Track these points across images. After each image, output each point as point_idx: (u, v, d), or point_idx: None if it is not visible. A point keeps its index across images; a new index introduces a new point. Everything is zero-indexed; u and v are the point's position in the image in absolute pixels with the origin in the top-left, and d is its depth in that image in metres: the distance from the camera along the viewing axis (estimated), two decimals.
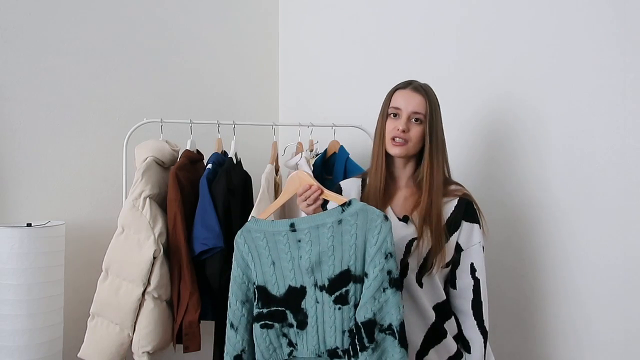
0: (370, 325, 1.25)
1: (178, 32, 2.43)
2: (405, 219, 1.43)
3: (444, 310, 1.43)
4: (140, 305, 1.75)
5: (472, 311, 1.42)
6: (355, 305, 1.28)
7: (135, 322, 1.76)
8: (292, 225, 1.34)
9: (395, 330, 1.24)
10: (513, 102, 1.77)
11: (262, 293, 1.35)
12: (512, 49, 1.78)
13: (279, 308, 1.34)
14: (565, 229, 1.66)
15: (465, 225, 1.43)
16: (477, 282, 1.43)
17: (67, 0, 2.09)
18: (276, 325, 1.34)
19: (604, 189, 1.57)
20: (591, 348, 1.61)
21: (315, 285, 1.31)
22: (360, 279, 1.28)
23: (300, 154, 2.03)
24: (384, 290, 1.25)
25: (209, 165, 1.90)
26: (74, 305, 1.99)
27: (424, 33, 2.06)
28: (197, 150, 2.01)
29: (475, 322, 1.42)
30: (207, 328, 1.96)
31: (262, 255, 1.36)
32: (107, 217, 2.08)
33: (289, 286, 1.34)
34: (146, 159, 1.82)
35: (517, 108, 1.77)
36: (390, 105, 1.45)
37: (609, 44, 1.56)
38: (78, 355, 1.80)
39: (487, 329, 1.43)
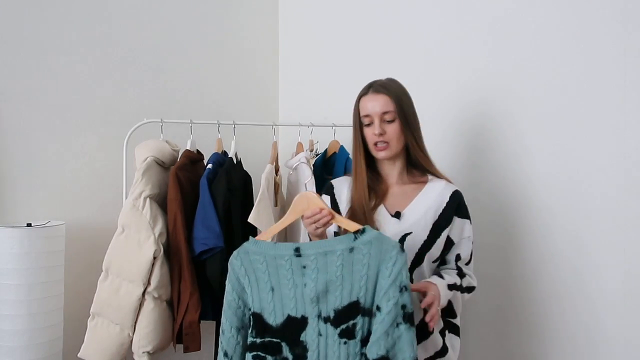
0: None
1: (178, 32, 2.43)
2: (397, 215, 1.44)
3: None
4: (141, 305, 1.75)
5: (456, 271, 1.46)
6: (362, 340, 1.20)
7: (135, 322, 1.76)
8: (297, 249, 1.25)
9: None
10: (513, 102, 1.78)
11: (258, 321, 1.26)
12: (512, 49, 1.78)
13: (274, 339, 1.24)
14: (565, 229, 1.66)
15: (456, 220, 1.46)
16: (459, 269, 1.47)
17: (67, 1, 2.09)
18: (269, 357, 1.24)
19: (604, 189, 1.57)
20: (588, 348, 1.61)
21: (319, 316, 1.22)
22: (369, 312, 1.20)
23: (301, 153, 2.04)
24: (397, 326, 1.17)
25: (209, 165, 1.90)
26: (74, 305, 1.99)
27: (424, 33, 2.06)
28: (197, 150, 2.01)
29: (456, 271, 1.45)
30: (207, 328, 1.96)
31: (260, 280, 1.26)
32: (107, 217, 2.08)
33: (288, 315, 1.24)
34: (146, 159, 1.82)
35: (517, 108, 1.77)
36: (361, 115, 1.47)
37: (609, 44, 1.56)
38: (78, 355, 1.80)
39: (466, 286, 1.44)
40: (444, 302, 1.35)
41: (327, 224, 1.33)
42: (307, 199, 1.35)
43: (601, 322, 1.59)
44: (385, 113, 1.43)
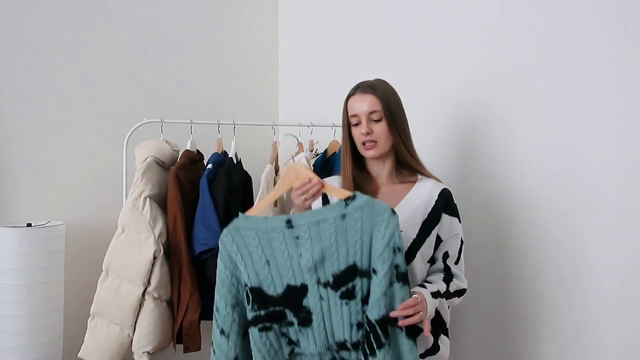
0: (385, 322, 1.22)
1: (178, 32, 2.43)
2: None
3: None
4: (141, 305, 1.75)
5: (443, 275, 1.45)
6: (362, 299, 1.24)
7: (135, 322, 1.76)
8: (288, 221, 1.27)
9: None
10: (512, 102, 1.78)
11: (257, 294, 1.27)
12: (511, 48, 1.78)
13: (277, 308, 1.27)
14: (564, 228, 1.66)
15: (445, 217, 1.48)
16: (447, 268, 1.47)
17: (67, 0, 2.09)
18: (275, 326, 1.27)
19: (604, 189, 1.57)
20: (588, 348, 1.61)
21: (319, 282, 1.25)
22: (366, 274, 1.24)
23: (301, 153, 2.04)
24: (391, 285, 1.23)
25: (209, 165, 1.90)
26: (74, 305, 1.99)
27: (424, 34, 2.07)
28: (197, 150, 2.01)
29: (443, 275, 1.45)
30: (207, 328, 1.96)
31: (253, 255, 1.28)
32: (107, 217, 2.08)
33: (288, 285, 1.26)
34: (146, 159, 1.82)
35: (516, 108, 1.77)
36: (349, 115, 1.49)
37: (609, 44, 1.56)
38: (78, 355, 1.80)
39: (447, 286, 1.43)
40: (431, 311, 1.33)
41: (316, 194, 1.34)
42: (296, 170, 1.35)
43: (600, 322, 1.59)
44: (372, 112, 1.45)
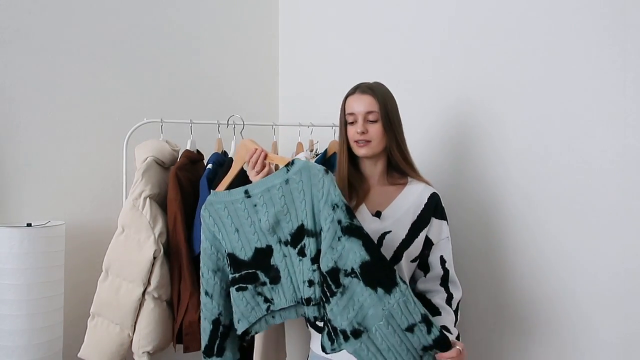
0: (334, 273, 1.31)
1: (178, 32, 2.43)
2: (378, 214, 1.50)
3: None
4: (141, 305, 1.75)
5: (442, 288, 1.50)
6: (312, 258, 1.35)
7: (135, 322, 1.76)
8: (246, 192, 1.41)
9: (357, 273, 1.30)
10: (508, 103, 1.78)
11: (232, 259, 1.43)
12: (509, 48, 1.78)
13: (249, 270, 1.41)
14: (562, 229, 1.66)
15: (434, 221, 1.53)
16: (446, 272, 1.52)
17: (68, 1, 2.09)
18: (249, 286, 1.41)
19: (604, 189, 1.57)
20: (588, 348, 1.61)
21: (280, 242, 1.39)
22: (312, 234, 1.35)
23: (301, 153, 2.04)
24: (339, 239, 1.31)
25: (209, 165, 1.90)
26: (74, 305, 1.99)
27: (423, 34, 2.07)
28: (197, 150, 2.01)
29: (446, 295, 1.50)
30: None
31: (225, 225, 1.43)
32: (107, 217, 2.08)
33: (255, 248, 1.41)
34: (146, 159, 1.82)
35: (512, 109, 1.77)
36: (346, 113, 1.53)
37: (608, 44, 1.56)
38: (78, 355, 1.80)
39: (457, 308, 1.49)
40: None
41: (264, 164, 1.46)
42: (244, 145, 1.50)
43: (601, 322, 1.59)
44: (369, 113, 1.48)
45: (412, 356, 1.29)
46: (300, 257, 1.37)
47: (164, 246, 1.79)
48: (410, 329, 1.28)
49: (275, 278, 1.40)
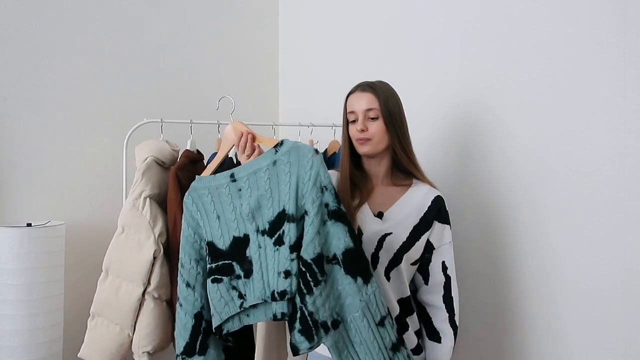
0: (320, 260, 1.24)
1: (178, 32, 2.43)
2: (380, 215, 1.48)
3: (408, 305, 1.48)
4: (141, 305, 1.75)
5: (444, 305, 1.48)
6: (291, 246, 1.26)
7: (135, 322, 1.76)
8: (232, 175, 1.35)
9: (340, 260, 1.25)
10: (511, 102, 1.78)
11: (211, 248, 1.36)
12: (511, 48, 1.78)
13: (226, 261, 1.33)
14: (565, 229, 1.66)
15: (437, 225, 1.49)
16: (448, 279, 1.49)
17: (67, 0, 2.09)
18: (225, 279, 1.32)
19: (604, 189, 1.57)
20: (588, 348, 1.61)
21: (257, 230, 1.31)
22: (292, 218, 1.27)
23: None
24: (324, 223, 1.26)
25: None
26: (74, 305, 1.99)
27: (422, 34, 2.07)
28: (197, 150, 2.01)
29: (447, 315, 1.48)
30: None
31: (208, 211, 1.36)
32: (107, 217, 2.08)
33: (233, 237, 1.33)
34: (146, 159, 1.82)
35: (515, 108, 1.77)
36: (347, 112, 1.51)
37: (609, 44, 1.56)
38: (78, 355, 1.80)
39: (458, 323, 1.49)
40: None
41: (252, 146, 1.42)
42: (233, 128, 1.44)
43: (601, 322, 1.59)
44: (369, 110, 1.46)
45: (382, 356, 1.25)
46: (277, 247, 1.27)
47: (164, 246, 1.79)
48: (382, 322, 1.26)
49: (248, 272, 1.31)
